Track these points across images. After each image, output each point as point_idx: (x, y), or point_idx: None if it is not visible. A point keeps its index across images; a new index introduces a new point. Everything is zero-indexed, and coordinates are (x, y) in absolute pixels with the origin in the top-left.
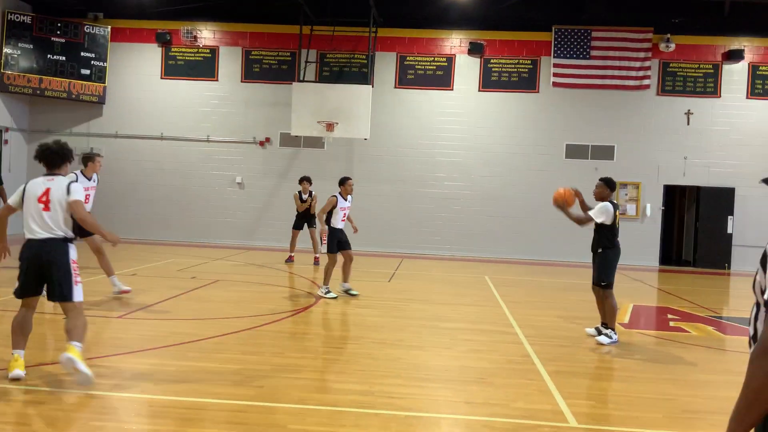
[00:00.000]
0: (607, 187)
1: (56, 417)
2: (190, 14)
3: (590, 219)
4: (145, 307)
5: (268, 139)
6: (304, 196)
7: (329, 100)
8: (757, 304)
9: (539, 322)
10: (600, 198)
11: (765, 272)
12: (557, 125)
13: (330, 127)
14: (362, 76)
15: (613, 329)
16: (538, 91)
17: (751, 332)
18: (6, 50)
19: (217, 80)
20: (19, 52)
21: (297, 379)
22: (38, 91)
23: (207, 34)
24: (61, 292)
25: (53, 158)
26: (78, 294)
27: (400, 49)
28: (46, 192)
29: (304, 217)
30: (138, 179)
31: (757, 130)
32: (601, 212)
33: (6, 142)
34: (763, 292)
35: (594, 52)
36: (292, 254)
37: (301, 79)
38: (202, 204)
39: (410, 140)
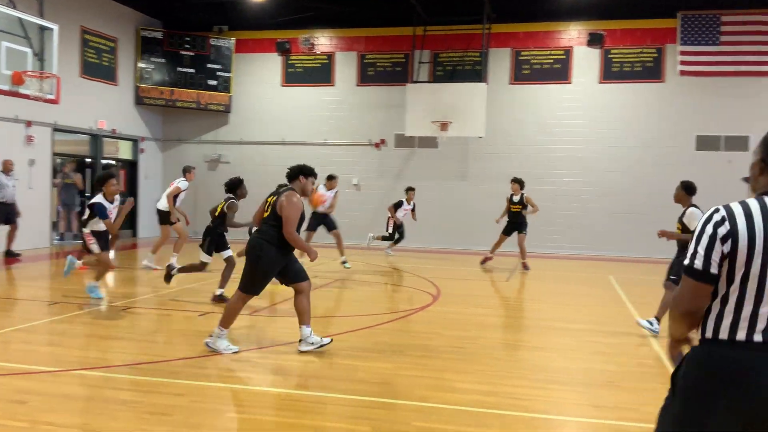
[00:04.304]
0: (684, 191)
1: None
2: (308, 23)
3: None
4: (271, 305)
5: (383, 141)
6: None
7: (443, 100)
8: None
9: None
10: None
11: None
12: (686, 116)
13: (444, 126)
14: (476, 73)
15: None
16: (663, 81)
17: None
18: (140, 65)
19: (333, 85)
20: (152, 67)
21: (419, 378)
22: (170, 103)
23: (324, 40)
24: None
25: None
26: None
27: (515, 44)
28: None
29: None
30: (262, 181)
31: None
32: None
33: (142, 151)
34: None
35: (724, 38)
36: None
37: (415, 80)
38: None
39: (527, 136)
